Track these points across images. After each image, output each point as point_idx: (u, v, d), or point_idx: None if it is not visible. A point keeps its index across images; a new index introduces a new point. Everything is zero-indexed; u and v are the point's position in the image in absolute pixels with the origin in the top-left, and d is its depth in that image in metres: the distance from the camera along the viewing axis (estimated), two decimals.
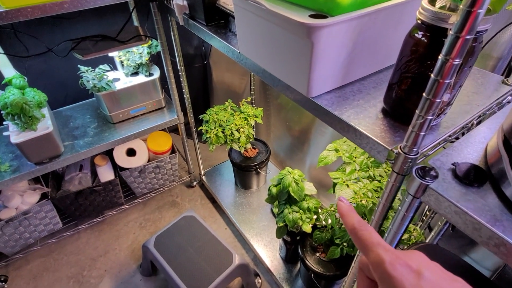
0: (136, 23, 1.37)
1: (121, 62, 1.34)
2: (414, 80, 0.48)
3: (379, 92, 0.60)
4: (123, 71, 1.35)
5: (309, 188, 1.12)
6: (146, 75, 1.33)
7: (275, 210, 1.16)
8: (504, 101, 0.60)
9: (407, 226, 0.51)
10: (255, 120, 1.39)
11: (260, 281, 1.34)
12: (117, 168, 1.44)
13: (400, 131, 0.51)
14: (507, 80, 0.63)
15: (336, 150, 1.03)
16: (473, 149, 0.48)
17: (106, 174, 1.42)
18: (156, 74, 1.35)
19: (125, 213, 1.63)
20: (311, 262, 1.10)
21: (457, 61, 0.35)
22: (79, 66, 1.22)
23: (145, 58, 1.30)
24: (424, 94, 0.40)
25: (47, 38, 1.28)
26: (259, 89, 1.66)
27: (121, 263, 1.43)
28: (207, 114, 1.38)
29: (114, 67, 1.37)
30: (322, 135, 1.37)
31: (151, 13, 1.12)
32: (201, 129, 1.38)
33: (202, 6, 0.84)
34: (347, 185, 0.94)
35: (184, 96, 1.39)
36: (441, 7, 0.43)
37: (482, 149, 0.48)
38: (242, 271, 1.21)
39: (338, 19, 0.48)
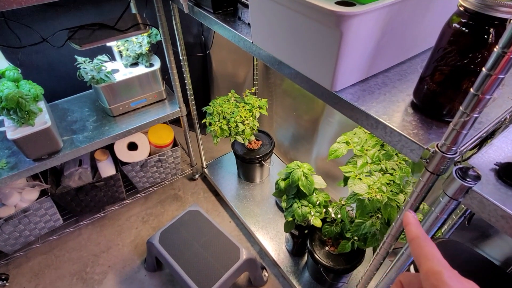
0: (134, 11, 1.31)
1: (120, 52, 1.28)
2: (451, 73, 0.45)
3: (406, 84, 0.57)
4: (122, 61, 1.30)
5: (319, 182, 1.10)
6: (146, 66, 1.28)
7: (283, 205, 1.14)
8: None
9: (440, 229, 0.49)
10: (259, 112, 1.35)
11: (266, 274, 1.33)
12: (118, 163, 1.40)
13: (433, 127, 0.48)
14: None
15: (347, 143, 1.01)
16: None
17: (107, 169, 1.38)
18: (157, 64, 1.29)
19: (127, 208, 1.60)
20: (320, 255, 1.09)
21: None
22: (76, 56, 1.16)
23: (145, 48, 1.24)
24: (472, 89, 0.36)
25: (41, 27, 1.21)
26: (262, 79, 1.61)
27: (125, 259, 1.41)
28: (210, 106, 1.34)
29: (112, 58, 1.31)
30: (329, 125, 1.34)
31: (150, 0, 1.06)
32: (204, 122, 1.34)
33: None
34: (360, 179, 0.91)
35: (187, 87, 1.34)
36: None
37: None
38: (250, 266, 1.20)
39: (370, 7, 0.45)
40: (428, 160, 0.45)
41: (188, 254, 1.15)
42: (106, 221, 1.55)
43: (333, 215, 1.09)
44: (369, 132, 0.98)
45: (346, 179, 0.95)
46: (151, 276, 1.35)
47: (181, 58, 1.24)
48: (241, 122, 1.30)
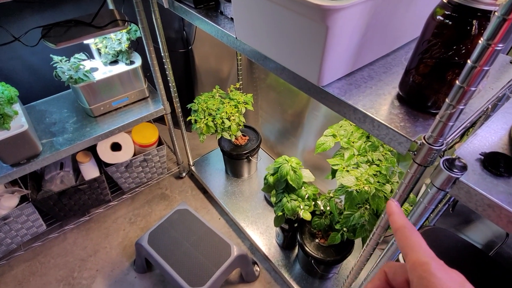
0: (111, 7, 1.26)
1: (98, 50, 1.24)
2: (436, 66, 0.45)
3: (391, 77, 0.57)
4: (101, 59, 1.25)
5: (307, 175, 1.11)
6: (126, 63, 1.24)
7: (273, 200, 1.14)
8: None
9: (427, 218, 0.49)
10: (245, 107, 1.34)
11: (258, 269, 1.33)
12: (101, 164, 1.36)
13: (420, 119, 0.49)
14: None
15: (334, 136, 1.01)
16: (497, 137, 0.47)
17: (90, 171, 1.34)
18: (138, 62, 1.25)
19: (113, 210, 1.56)
20: (310, 248, 1.10)
21: (500, 46, 0.32)
22: (51, 56, 1.11)
23: (124, 45, 1.20)
24: (457, 82, 0.37)
25: (13, 25, 1.15)
26: (246, 74, 1.60)
27: (113, 262, 1.38)
28: (195, 103, 1.32)
29: (90, 56, 1.26)
30: (315, 118, 1.34)
31: None
32: (189, 119, 1.32)
33: None
34: (347, 171, 0.92)
35: (170, 84, 1.31)
36: None
37: (505, 135, 0.47)
38: (241, 262, 1.20)
39: (355, 0, 0.44)
40: (415, 152, 0.46)
41: (179, 253, 1.14)
42: (92, 224, 1.51)
43: (322, 208, 1.10)
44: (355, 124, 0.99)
45: (334, 172, 0.95)
46: (141, 277, 1.33)
47: (162, 54, 1.21)
48: (227, 118, 1.29)
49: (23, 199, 1.23)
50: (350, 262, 1.26)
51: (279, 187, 1.11)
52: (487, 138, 0.46)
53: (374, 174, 0.90)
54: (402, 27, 0.60)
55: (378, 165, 0.93)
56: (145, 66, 1.26)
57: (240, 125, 1.34)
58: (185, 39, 1.63)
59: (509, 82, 0.57)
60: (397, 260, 0.74)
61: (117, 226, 1.50)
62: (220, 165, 1.68)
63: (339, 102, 0.53)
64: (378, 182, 0.88)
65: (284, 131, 1.58)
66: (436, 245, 0.80)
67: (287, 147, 1.63)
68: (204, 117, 1.28)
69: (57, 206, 1.31)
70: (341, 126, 1.03)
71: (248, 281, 1.30)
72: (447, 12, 0.42)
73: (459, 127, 0.48)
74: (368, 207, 0.91)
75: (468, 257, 0.76)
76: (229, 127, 1.30)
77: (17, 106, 1.06)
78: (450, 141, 0.47)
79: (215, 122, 1.27)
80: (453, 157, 0.43)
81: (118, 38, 1.20)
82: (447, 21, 0.42)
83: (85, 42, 1.16)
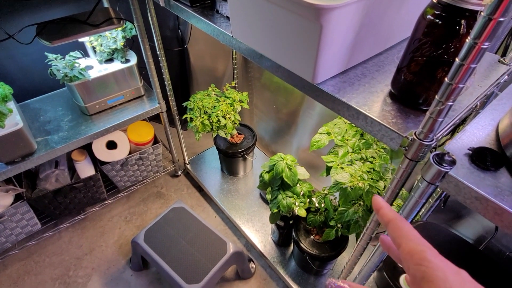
0: (106, 4, 1.26)
1: (93, 48, 1.23)
2: (427, 64, 0.47)
3: (384, 75, 0.59)
4: (96, 57, 1.25)
5: (302, 172, 1.12)
6: (122, 62, 1.24)
7: (268, 197, 1.15)
8: (502, 81, 0.60)
9: (418, 212, 0.51)
10: (241, 106, 1.35)
11: (254, 266, 1.34)
12: (97, 163, 1.36)
13: (411, 116, 0.50)
14: (503, 59, 0.63)
15: (328, 134, 1.03)
16: (484, 132, 0.48)
17: (85, 169, 1.34)
18: (133, 60, 1.26)
19: (108, 208, 1.56)
20: (305, 244, 1.11)
21: (486, 45, 0.34)
22: (46, 53, 1.11)
23: (120, 43, 1.20)
24: (446, 79, 0.38)
25: (7, 23, 1.14)
26: (241, 73, 1.60)
27: (109, 260, 1.38)
28: (191, 101, 1.32)
29: (85, 54, 1.26)
30: (309, 117, 1.36)
31: None
32: (185, 117, 1.32)
33: None
34: (342, 168, 0.94)
35: (165, 82, 1.31)
36: None
37: (492, 131, 0.48)
38: (237, 259, 1.21)
39: (348, 0, 0.45)
40: (407, 148, 0.47)
41: (175, 251, 1.15)
42: (87, 223, 1.50)
43: (317, 205, 1.12)
44: (349, 122, 1.01)
45: (328, 169, 0.97)
46: (137, 275, 1.33)
47: (158, 53, 1.21)
48: (222, 117, 1.30)
49: (17, 198, 1.22)
50: (345, 258, 1.28)
51: (275, 184, 1.13)
52: (475, 134, 0.48)
53: (368, 171, 0.91)
54: (394, 27, 0.62)
55: (371, 162, 0.94)
56: (141, 65, 1.27)
57: (235, 123, 1.35)
58: (181, 38, 1.63)
59: (497, 80, 0.58)
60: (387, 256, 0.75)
61: (112, 225, 1.50)
62: (216, 164, 1.68)
63: (333, 99, 0.54)
64: (372, 178, 0.89)
65: (279, 129, 1.59)
66: (428, 240, 0.81)
67: (281, 146, 1.64)
68: (200, 115, 1.28)
69: (52, 205, 1.30)
70: (335, 124, 1.04)
71: (244, 278, 1.31)
72: (437, 12, 0.43)
73: (448, 123, 0.49)
74: (362, 203, 0.93)
75: (459, 251, 0.78)
76: (225, 125, 1.30)
77: (12, 104, 1.06)
78: (440, 136, 0.48)
79: (211, 120, 1.28)
80: (443, 152, 0.45)
81: (113, 36, 1.20)
82: (437, 20, 0.43)
83: (80, 40, 1.16)
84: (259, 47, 0.63)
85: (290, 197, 1.10)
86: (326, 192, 1.08)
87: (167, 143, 1.58)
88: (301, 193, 1.11)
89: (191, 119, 1.30)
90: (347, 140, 0.99)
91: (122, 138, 1.39)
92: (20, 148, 1.05)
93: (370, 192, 0.87)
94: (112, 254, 1.40)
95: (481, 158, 0.43)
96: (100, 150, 1.34)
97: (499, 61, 0.63)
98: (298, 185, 1.12)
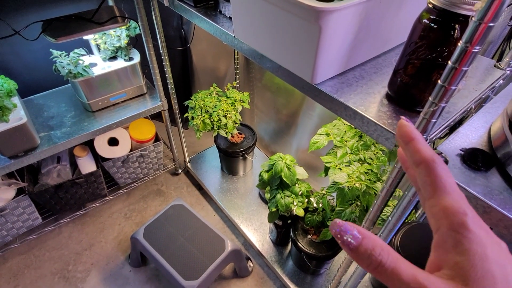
0: (111, 3, 1.28)
1: (98, 45, 1.25)
2: (422, 66, 0.48)
3: (381, 77, 0.60)
4: (100, 55, 1.27)
5: (301, 172, 1.13)
6: (125, 60, 1.26)
7: (267, 196, 1.16)
8: (497, 85, 0.62)
9: (412, 210, 0.52)
10: (241, 105, 1.37)
11: (251, 264, 1.36)
12: (98, 159, 1.38)
13: (406, 117, 0.52)
14: (499, 64, 0.65)
15: (327, 134, 1.04)
16: (477, 134, 0.49)
17: (87, 165, 1.35)
18: (137, 58, 1.27)
19: (109, 205, 1.58)
20: (303, 244, 1.13)
21: (477, 49, 0.35)
22: (51, 50, 1.13)
23: (124, 41, 1.22)
24: (439, 81, 0.40)
25: (13, 19, 1.16)
26: (243, 73, 1.62)
27: (108, 256, 1.39)
28: (192, 100, 1.34)
29: (90, 51, 1.28)
30: (309, 118, 1.37)
31: None
32: (186, 116, 1.34)
33: None
34: (340, 169, 0.95)
35: (168, 81, 1.33)
36: None
37: (485, 133, 0.50)
38: (235, 257, 1.22)
39: (347, 3, 0.47)
40: None
41: (173, 248, 1.16)
42: (87, 219, 1.52)
43: (315, 205, 1.13)
44: (348, 124, 1.02)
45: (326, 169, 0.98)
46: (136, 271, 1.34)
47: (161, 51, 1.23)
48: (223, 116, 1.31)
49: (19, 192, 1.24)
50: (341, 258, 1.29)
51: (274, 183, 1.14)
52: (468, 135, 0.49)
53: (365, 172, 0.93)
54: (392, 30, 0.63)
55: (369, 164, 0.96)
56: (144, 63, 1.28)
57: (236, 123, 1.37)
58: (184, 37, 1.65)
59: (492, 84, 0.60)
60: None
61: (112, 221, 1.52)
62: (216, 163, 1.70)
63: (331, 100, 0.56)
64: (369, 179, 0.91)
65: (279, 130, 1.61)
66: (424, 240, 0.83)
67: (281, 146, 1.65)
68: (201, 114, 1.30)
69: (53, 200, 1.32)
70: (334, 125, 1.06)
71: (242, 276, 1.33)
72: (432, 16, 0.44)
73: (443, 125, 0.51)
74: (359, 203, 0.94)
75: None
76: (226, 124, 1.32)
77: (16, 99, 1.07)
78: (435, 138, 0.50)
79: (212, 120, 1.30)
80: (436, 152, 0.46)
81: (117, 35, 1.22)
82: (432, 24, 0.45)
83: (85, 37, 1.18)
84: (260, 47, 0.65)
85: (288, 196, 1.11)
86: (324, 192, 1.09)
87: (168, 141, 1.60)
88: (300, 192, 1.12)
89: (192, 118, 1.31)
90: (346, 141, 1.00)
91: (124, 135, 1.41)
92: (23, 142, 1.06)
93: (366, 193, 0.88)
94: (112, 250, 1.41)
95: (472, 158, 0.44)
96: (102, 147, 1.36)
97: (495, 66, 0.65)
98: (296, 184, 1.13)
